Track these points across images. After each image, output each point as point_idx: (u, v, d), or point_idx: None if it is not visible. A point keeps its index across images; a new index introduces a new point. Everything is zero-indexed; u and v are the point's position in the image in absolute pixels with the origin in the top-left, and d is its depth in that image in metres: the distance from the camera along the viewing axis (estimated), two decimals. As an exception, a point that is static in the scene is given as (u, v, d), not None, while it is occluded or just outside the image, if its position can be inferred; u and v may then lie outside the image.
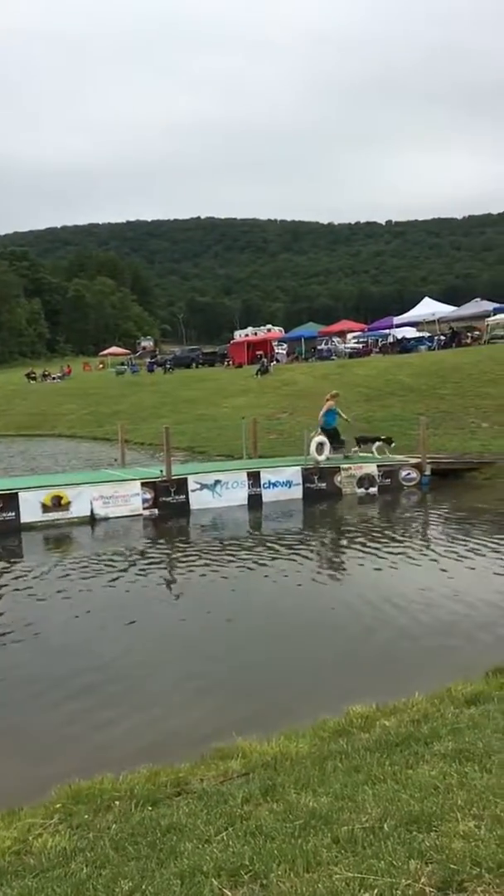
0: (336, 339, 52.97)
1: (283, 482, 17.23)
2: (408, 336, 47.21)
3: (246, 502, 16.68)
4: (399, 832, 3.00)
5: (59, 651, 8.26)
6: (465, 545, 12.43)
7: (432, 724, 4.86)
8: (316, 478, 17.56)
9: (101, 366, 78.73)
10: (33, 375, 69.00)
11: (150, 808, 4.07)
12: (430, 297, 58.54)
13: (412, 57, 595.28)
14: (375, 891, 2.53)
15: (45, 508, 15.01)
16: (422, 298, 57.34)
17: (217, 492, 16.54)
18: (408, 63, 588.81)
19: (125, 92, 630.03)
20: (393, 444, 19.38)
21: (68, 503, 15.20)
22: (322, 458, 17.95)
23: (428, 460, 18.51)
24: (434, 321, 48.53)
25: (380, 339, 50.97)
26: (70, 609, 9.76)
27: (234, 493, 16.67)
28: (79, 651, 8.25)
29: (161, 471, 16.76)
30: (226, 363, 55.51)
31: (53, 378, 67.47)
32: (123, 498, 15.66)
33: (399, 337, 47.38)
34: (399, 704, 5.66)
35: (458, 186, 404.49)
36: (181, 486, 16.24)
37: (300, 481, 17.37)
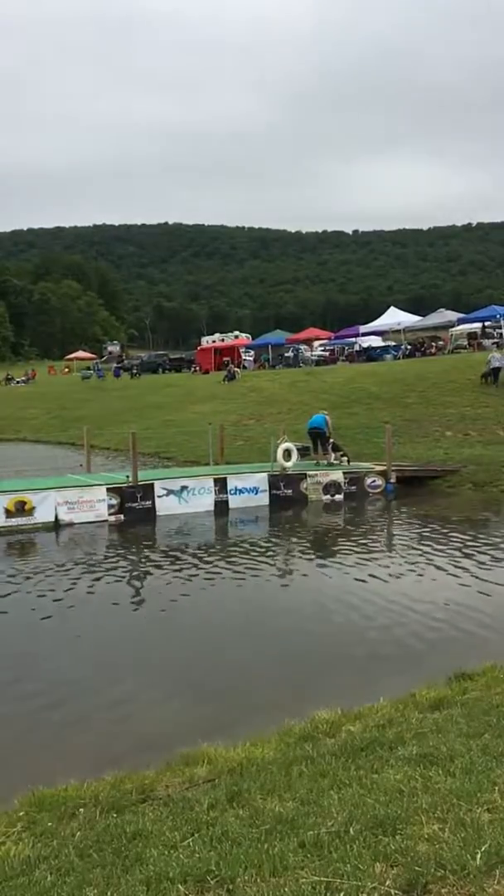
0: (303, 347, 53.23)
1: (250, 488, 17.25)
2: (374, 345, 47.70)
3: (212, 508, 16.67)
4: (364, 836, 3.02)
5: (20, 658, 8.15)
6: (428, 553, 12.58)
7: (397, 729, 4.90)
8: (282, 484, 17.62)
9: (66, 370, 77.86)
10: (-3, 379, 68.12)
11: (115, 815, 4.04)
12: (395, 306, 59.11)
13: (374, 63, 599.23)
14: (342, 894, 2.55)
15: (9, 514, 14.83)
16: (387, 308, 57.86)
17: (183, 498, 16.50)
18: (373, 70, 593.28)
19: (83, 92, 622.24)
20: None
21: (32, 508, 15.03)
22: (289, 464, 18.01)
23: (393, 468, 18.71)
24: (399, 330, 49.06)
25: (346, 348, 51.44)
26: (31, 616, 9.65)
27: (201, 499, 16.64)
28: (41, 658, 8.15)
29: (127, 476, 16.67)
30: (193, 369, 55.38)
31: (18, 382, 66.58)
32: (89, 503, 15.53)
33: (365, 345, 47.83)
34: (364, 710, 5.70)
35: (424, 198, 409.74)
36: (147, 491, 16.17)
37: (266, 488, 17.41)
